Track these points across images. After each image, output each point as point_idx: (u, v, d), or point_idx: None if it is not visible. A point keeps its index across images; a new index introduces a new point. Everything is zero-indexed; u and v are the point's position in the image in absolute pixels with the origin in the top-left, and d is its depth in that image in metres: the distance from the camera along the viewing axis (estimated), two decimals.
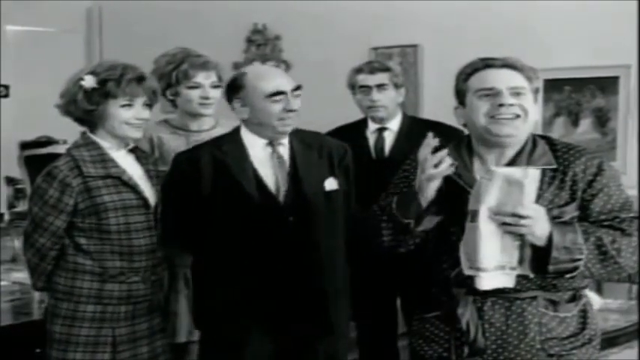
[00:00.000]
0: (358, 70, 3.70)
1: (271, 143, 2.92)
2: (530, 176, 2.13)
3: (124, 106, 2.82)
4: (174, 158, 2.98)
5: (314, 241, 2.83)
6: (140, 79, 2.83)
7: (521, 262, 2.21)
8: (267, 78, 2.91)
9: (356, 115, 4.97)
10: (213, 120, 3.46)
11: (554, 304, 2.33)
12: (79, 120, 2.90)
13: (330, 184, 2.90)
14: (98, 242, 2.83)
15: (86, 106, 2.81)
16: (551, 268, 2.18)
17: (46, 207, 2.80)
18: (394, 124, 3.66)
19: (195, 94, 3.35)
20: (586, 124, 4.62)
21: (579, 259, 2.18)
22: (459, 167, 2.33)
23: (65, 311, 2.84)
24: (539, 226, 2.16)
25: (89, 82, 2.80)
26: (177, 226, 2.92)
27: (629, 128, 4.47)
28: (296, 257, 2.81)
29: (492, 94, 2.27)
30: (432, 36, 5.00)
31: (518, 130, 2.28)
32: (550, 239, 2.17)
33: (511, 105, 2.24)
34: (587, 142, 4.47)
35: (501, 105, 2.25)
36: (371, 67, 3.68)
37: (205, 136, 3.38)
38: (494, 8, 4.80)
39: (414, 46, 5.10)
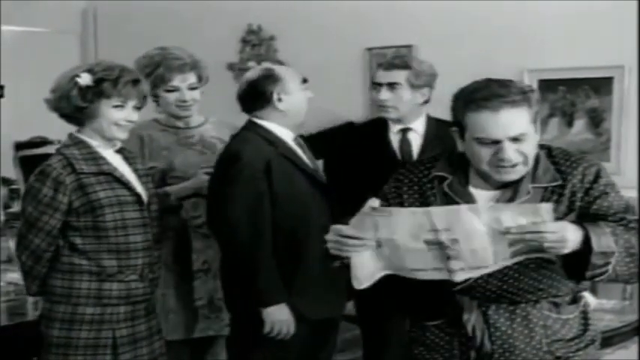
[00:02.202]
0: (379, 65, 3.53)
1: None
2: (544, 211, 2.10)
3: (116, 106, 2.84)
4: (241, 162, 3.03)
5: None
6: (135, 82, 2.85)
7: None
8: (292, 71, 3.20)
9: (352, 114, 4.96)
10: (202, 117, 3.48)
11: (556, 306, 2.33)
12: (66, 117, 2.91)
13: None
14: (94, 241, 2.83)
15: (79, 103, 2.82)
16: (588, 274, 2.14)
17: (41, 206, 2.80)
18: (418, 125, 3.45)
19: (172, 97, 3.39)
20: (580, 124, 4.62)
21: (610, 262, 2.14)
22: (452, 182, 2.32)
23: (62, 314, 2.83)
24: (569, 237, 2.10)
25: (85, 79, 2.82)
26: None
27: (622, 129, 4.48)
28: None
29: (492, 142, 2.20)
30: (427, 36, 5.00)
31: (520, 174, 2.24)
32: (587, 245, 2.11)
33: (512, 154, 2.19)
34: (581, 142, 4.48)
35: (502, 159, 2.19)
36: (388, 64, 3.46)
37: (195, 133, 3.44)
38: (489, 9, 4.80)
39: (409, 46, 5.09)
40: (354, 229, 2.19)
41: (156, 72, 3.37)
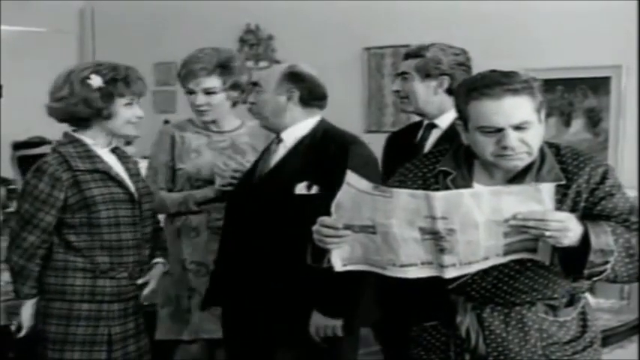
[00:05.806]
0: None
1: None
2: (545, 192, 2.09)
3: (127, 104, 2.89)
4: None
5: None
6: (140, 78, 2.92)
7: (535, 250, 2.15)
8: None
9: (350, 114, 4.96)
10: (238, 121, 3.46)
11: (553, 308, 2.31)
12: (75, 120, 2.91)
13: (300, 189, 2.85)
14: (88, 238, 2.86)
15: (99, 104, 2.86)
16: (586, 272, 2.11)
17: (37, 202, 2.82)
18: (444, 121, 3.02)
19: (190, 100, 3.40)
20: (578, 124, 4.64)
21: (609, 262, 2.11)
22: (456, 177, 2.31)
23: (59, 311, 2.85)
24: (571, 228, 2.08)
25: (97, 81, 2.85)
26: None
27: (620, 129, 4.49)
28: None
29: (495, 131, 2.18)
30: (424, 36, 5.00)
31: (525, 162, 2.22)
32: (586, 242, 2.09)
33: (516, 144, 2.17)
34: (579, 142, 4.49)
35: (504, 147, 2.17)
36: (404, 53, 3.13)
37: (227, 137, 3.42)
38: (487, 8, 4.81)
39: (407, 46, 5.09)
40: (334, 220, 2.16)
41: (180, 74, 3.40)
